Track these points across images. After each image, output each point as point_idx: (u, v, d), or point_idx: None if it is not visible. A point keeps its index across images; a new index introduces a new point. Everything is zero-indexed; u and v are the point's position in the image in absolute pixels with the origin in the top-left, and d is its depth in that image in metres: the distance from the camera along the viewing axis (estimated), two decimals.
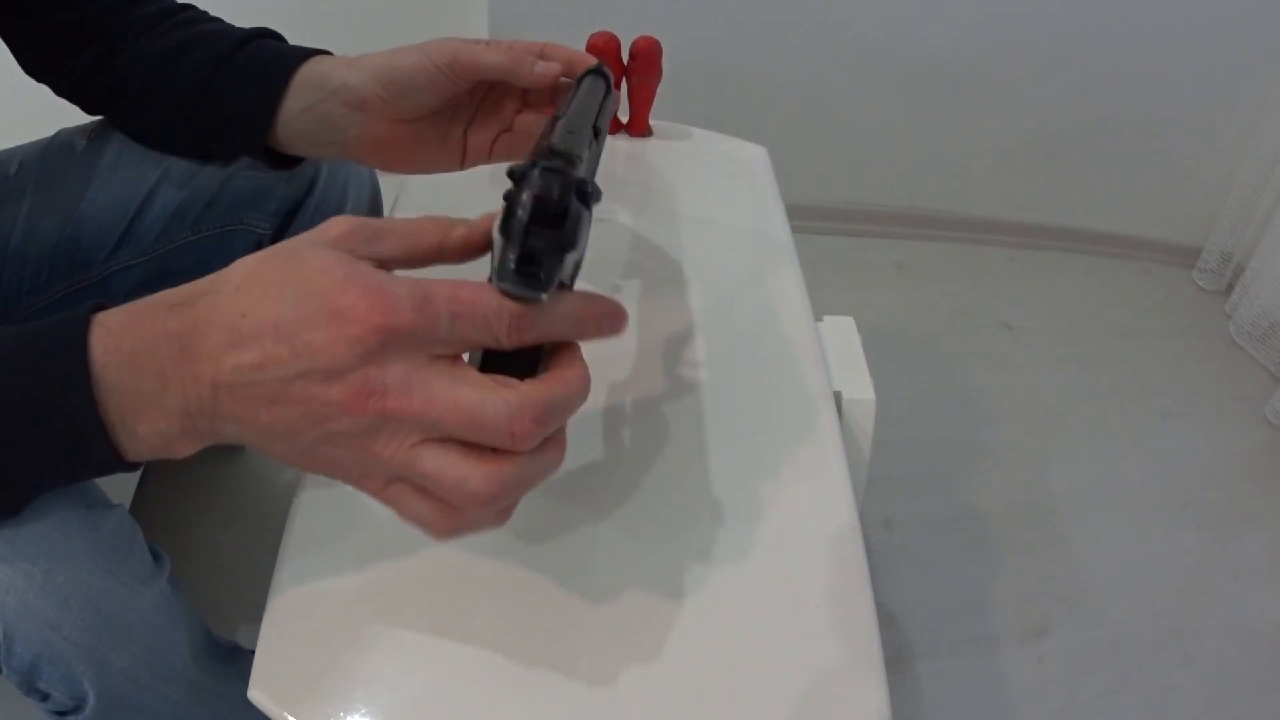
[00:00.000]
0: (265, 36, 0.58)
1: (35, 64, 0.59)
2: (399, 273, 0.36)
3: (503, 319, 0.33)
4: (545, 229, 0.33)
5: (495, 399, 0.33)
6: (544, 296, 0.34)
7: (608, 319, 0.37)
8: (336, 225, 0.36)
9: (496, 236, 0.34)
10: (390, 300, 0.32)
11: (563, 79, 0.53)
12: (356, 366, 0.32)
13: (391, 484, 0.35)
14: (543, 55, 0.52)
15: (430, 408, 0.32)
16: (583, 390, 0.36)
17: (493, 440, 0.33)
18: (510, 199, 0.33)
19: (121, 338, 0.34)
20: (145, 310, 0.35)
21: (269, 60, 0.56)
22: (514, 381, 0.34)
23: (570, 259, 0.35)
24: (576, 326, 0.36)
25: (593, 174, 0.42)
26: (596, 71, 0.51)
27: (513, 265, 0.33)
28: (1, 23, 0.57)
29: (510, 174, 0.35)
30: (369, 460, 0.34)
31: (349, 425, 0.33)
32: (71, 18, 0.57)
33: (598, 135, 0.44)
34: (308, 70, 0.54)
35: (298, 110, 0.54)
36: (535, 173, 0.33)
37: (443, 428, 0.33)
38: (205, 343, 0.33)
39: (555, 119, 0.43)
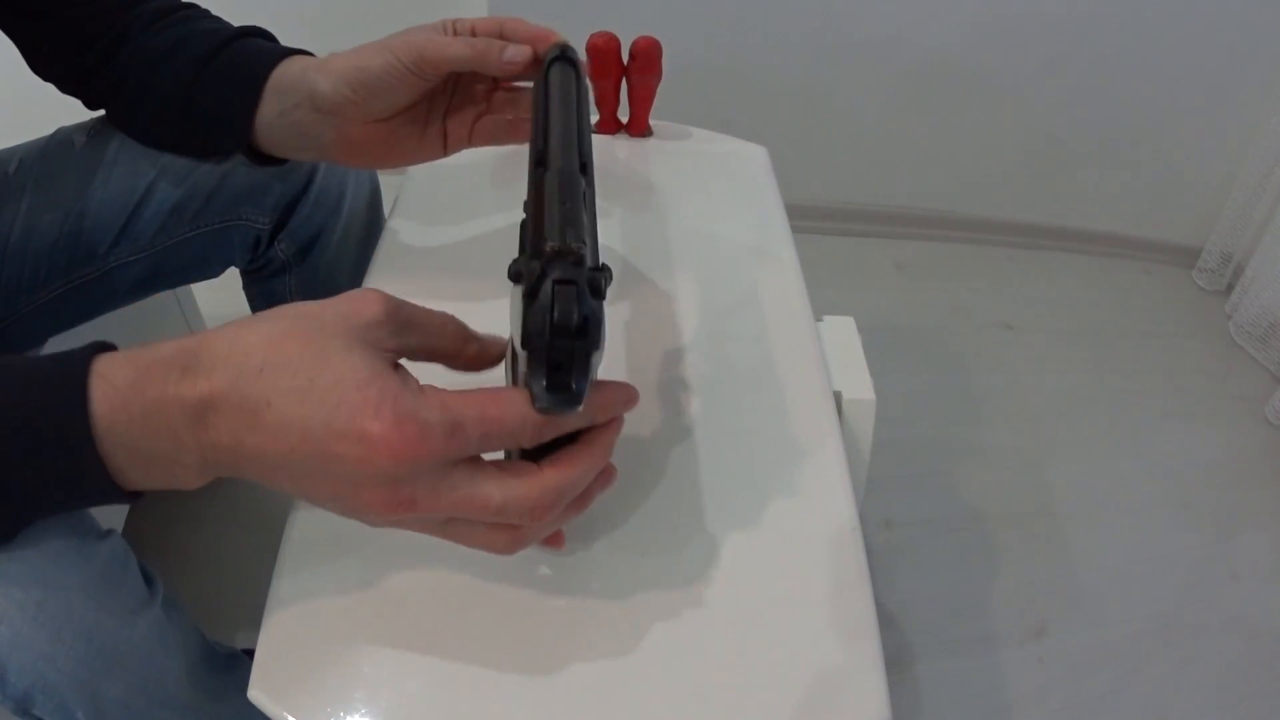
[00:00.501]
0: (252, 35, 0.58)
1: (42, 63, 0.59)
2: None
3: (526, 431, 0.35)
4: (569, 341, 0.33)
5: (517, 494, 0.35)
6: (581, 407, 0.34)
7: (621, 403, 0.39)
8: (368, 308, 0.35)
9: (519, 350, 0.34)
10: (423, 432, 0.32)
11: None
12: (385, 483, 0.33)
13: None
14: (503, 35, 0.51)
15: (457, 507, 0.35)
16: (600, 463, 0.38)
17: (516, 522, 0.36)
18: (525, 322, 0.33)
19: (130, 399, 0.34)
20: (154, 368, 0.34)
21: (247, 62, 0.55)
22: (532, 468, 0.36)
23: (597, 358, 0.35)
24: (593, 418, 0.37)
25: (593, 219, 0.40)
26: (562, 58, 0.48)
27: (545, 387, 0.33)
28: (10, 23, 0.57)
29: (515, 278, 0.34)
30: (395, 527, 0.36)
31: (378, 517, 0.35)
32: (78, 15, 0.57)
33: (585, 169, 0.41)
34: (280, 73, 0.54)
35: (274, 115, 0.54)
36: (547, 290, 0.32)
37: (469, 519, 0.35)
38: (225, 420, 0.33)
39: (540, 150, 0.40)
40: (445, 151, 0.57)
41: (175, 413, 0.33)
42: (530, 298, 0.33)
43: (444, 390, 0.34)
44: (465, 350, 0.40)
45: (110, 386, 0.34)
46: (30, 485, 0.36)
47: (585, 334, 0.33)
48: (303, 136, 0.54)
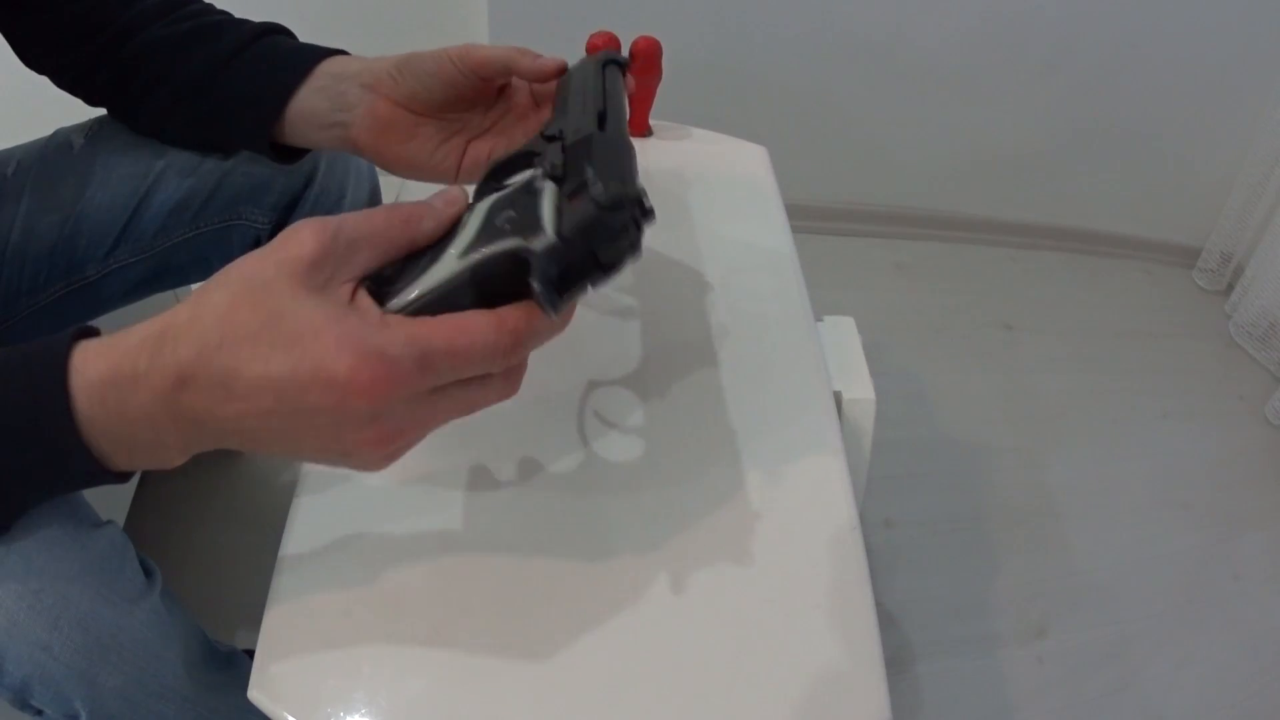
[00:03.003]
0: (279, 33, 0.59)
1: (37, 56, 0.59)
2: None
3: (495, 358, 0.35)
4: (600, 269, 0.35)
5: (489, 393, 0.36)
6: (554, 317, 0.35)
7: (557, 333, 0.38)
8: (303, 245, 0.34)
9: (477, 219, 0.36)
10: (391, 368, 0.32)
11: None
12: (368, 422, 0.33)
13: None
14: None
15: (443, 419, 0.36)
16: None
17: (496, 398, 0.38)
18: (582, 223, 0.34)
19: (106, 394, 0.34)
20: (123, 360, 0.34)
21: (288, 54, 0.56)
22: (491, 378, 0.37)
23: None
24: (554, 331, 0.37)
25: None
26: (612, 62, 0.51)
27: (551, 283, 0.34)
28: (4, 15, 0.57)
29: (554, 174, 0.36)
30: (394, 458, 0.37)
31: (369, 456, 0.35)
32: (77, 10, 0.57)
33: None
34: (327, 65, 0.55)
35: (310, 91, 0.55)
36: (619, 219, 0.34)
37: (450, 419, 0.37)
38: (198, 397, 0.33)
39: (601, 110, 0.43)
40: (456, 174, 0.56)
41: (148, 400, 0.34)
42: (596, 204, 0.34)
43: (408, 320, 0.34)
44: (421, 232, 0.38)
45: (85, 381, 0.34)
46: (20, 473, 0.36)
47: (614, 270, 0.35)
48: (335, 109, 0.55)
